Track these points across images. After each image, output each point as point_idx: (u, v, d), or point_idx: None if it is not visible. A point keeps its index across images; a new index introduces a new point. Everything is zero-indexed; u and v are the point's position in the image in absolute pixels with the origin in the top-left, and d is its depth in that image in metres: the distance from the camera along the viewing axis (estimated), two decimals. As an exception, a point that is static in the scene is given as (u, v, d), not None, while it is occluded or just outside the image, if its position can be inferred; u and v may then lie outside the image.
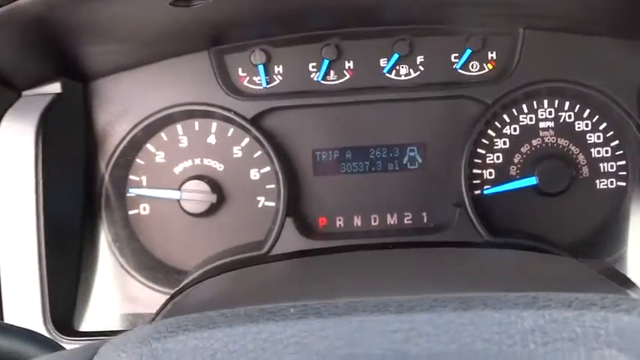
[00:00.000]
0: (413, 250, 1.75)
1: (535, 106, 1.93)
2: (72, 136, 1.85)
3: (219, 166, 1.94)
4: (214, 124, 1.94)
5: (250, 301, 1.29)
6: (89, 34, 1.60)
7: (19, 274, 1.65)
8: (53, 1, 1.36)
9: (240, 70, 1.93)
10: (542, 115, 1.92)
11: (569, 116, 1.93)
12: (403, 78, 1.93)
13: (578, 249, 1.87)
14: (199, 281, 1.61)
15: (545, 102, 1.92)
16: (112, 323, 1.88)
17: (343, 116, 1.94)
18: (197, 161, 1.94)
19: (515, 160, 1.93)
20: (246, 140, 1.93)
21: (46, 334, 1.60)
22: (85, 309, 1.83)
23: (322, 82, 1.93)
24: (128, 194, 1.95)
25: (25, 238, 1.65)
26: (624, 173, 1.93)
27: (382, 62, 1.93)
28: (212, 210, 1.91)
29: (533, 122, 1.93)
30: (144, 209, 1.96)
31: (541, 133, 1.92)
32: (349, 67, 1.93)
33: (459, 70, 1.92)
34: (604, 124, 1.92)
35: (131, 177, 1.95)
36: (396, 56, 1.91)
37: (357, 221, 1.96)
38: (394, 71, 1.93)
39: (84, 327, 1.80)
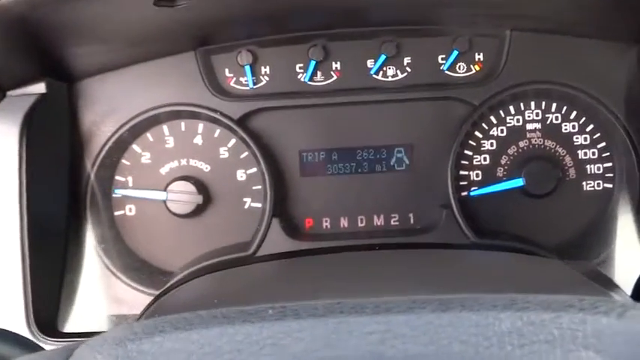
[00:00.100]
0: (398, 252, 1.75)
1: (522, 108, 1.93)
2: (57, 136, 1.84)
3: (205, 167, 1.93)
4: (201, 125, 1.93)
5: (234, 302, 1.28)
6: (73, 34, 1.59)
7: (2, 274, 1.63)
8: (36, 1, 1.35)
9: (226, 70, 1.93)
10: (529, 116, 1.92)
11: (556, 118, 1.93)
12: (390, 79, 1.93)
13: (564, 251, 1.87)
14: (184, 282, 1.60)
15: (532, 104, 1.92)
16: (96, 324, 1.87)
17: (330, 117, 1.94)
18: (183, 162, 1.93)
19: (502, 162, 1.93)
20: (233, 141, 1.93)
21: (29, 336, 1.58)
22: (69, 310, 1.82)
23: (309, 83, 1.93)
24: (114, 195, 1.94)
25: (9, 238, 1.63)
26: (611, 175, 1.93)
27: (369, 63, 1.93)
28: (198, 211, 1.91)
29: (520, 124, 1.93)
30: (130, 210, 1.95)
31: (528, 135, 1.92)
32: (336, 68, 1.93)
33: (446, 72, 1.92)
34: (591, 126, 1.92)
35: (117, 178, 1.94)
36: (383, 57, 1.91)
37: (344, 222, 1.96)
38: (381, 72, 1.93)
39: (68, 328, 1.79)
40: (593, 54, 1.89)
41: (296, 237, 1.89)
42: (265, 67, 1.92)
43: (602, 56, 1.89)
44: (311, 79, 1.92)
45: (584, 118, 1.92)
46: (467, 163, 1.93)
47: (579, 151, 1.93)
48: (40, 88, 1.71)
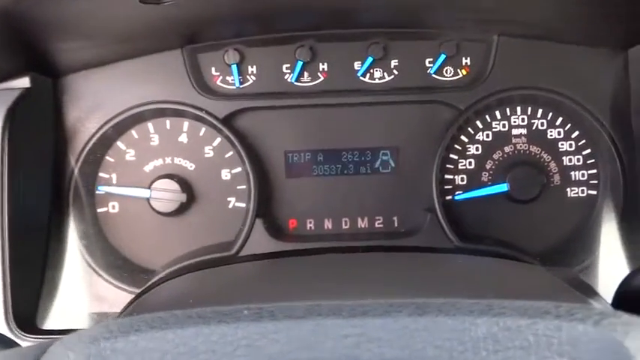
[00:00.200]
0: (381, 255, 1.75)
1: (508, 113, 1.93)
2: (41, 131, 1.83)
3: (190, 166, 1.93)
4: (186, 123, 1.92)
5: (213, 302, 1.28)
6: (58, 29, 1.58)
7: (-20, 268, 1.62)
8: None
9: (213, 69, 1.92)
10: (514, 122, 1.93)
11: (542, 124, 1.93)
12: (377, 81, 1.93)
13: (548, 257, 1.88)
14: (165, 281, 1.59)
15: (518, 109, 1.93)
16: (77, 322, 1.86)
17: (316, 118, 1.93)
18: (168, 160, 1.92)
19: (487, 167, 1.93)
20: (218, 140, 1.92)
21: (7, 332, 1.58)
22: (49, 306, 1.80)
23: (296, 83, 1.92)
24: (97, 192, 1.93)
25: (-12, 231, 1.62)
26: (595, 182, 1.93)
27: (356, 65, 1.92)
28: (182, 209, 1.90)
29: (506, 129, 1.93)
30: (113, 207, 1.94)
31: (513, 140, 1.93)
32: (323, 69, 1.92)
33: (433, 75, 1.92)
34: (576, 133, 1.93)
35: (101, 174, 1.93)
36: (370, 59, 1.90)
37: (328, 224, 1.95)
38: (368, 74, 1.93)
39: (47, 325, 1.78)
40: (580, 61, 1.90)
41: (279, 238, 1.88)
42: (252, 67, 1.92)
43: (589, 63, 1.90)
44: (298, 80, 1.92)
45: (569, 125, 1.92)
46: (452, 167, 1.93)
47: (564, 158, 1.93)
48: (24, 82, 1.70)
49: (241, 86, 1.92)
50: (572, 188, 1.94)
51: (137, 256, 1.94)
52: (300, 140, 1.94)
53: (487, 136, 1.93)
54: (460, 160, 1.94)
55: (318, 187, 1.95)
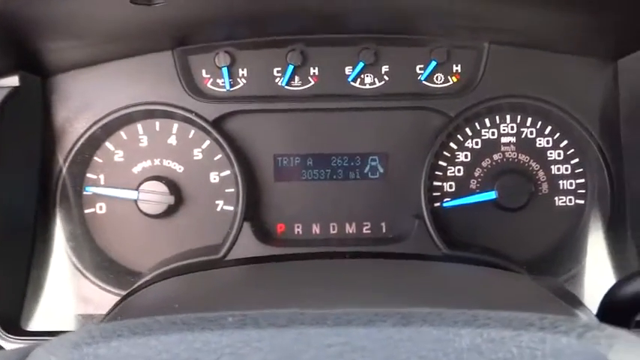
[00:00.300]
0: (368, 261, 1.74)
1: (497, 121, 1.93)
2: (29, 130, 1.82)
3: (178, 168, 1.92)
4: (175, 125, 1.92)
5: (198, 307, 1.27)
6: (48, 28, 1.57)
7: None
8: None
9: (203, 71, 1.92)
10: (504, 130, 1.93)
11: (531, 132, 1.93)
12: (368, 87, 1.93)
13: (534, 265, 1.88)
14: (152, 284, 1.58)
15: (508, 117, 1.93)
16: (62, 323, 1.84)
17: (306, 123, 1.93)
18: (156, 162, 1.92)
19: (476, 174, 1.94)
20: (207, 143, 1.92)
21: (-9, 333, 1.57)
22: (34, 308, 1.79)
23: (286, 87, 1.92)
24: (85, 192, 1.92)
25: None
26: (583, 191, 1.94)
27: (347, 70, 1.93)
28: (169, 212, 1.90)
29: (495, 137, 1.93)
30: (100, 208, 1.93)
31: (502, 148, 1.93)
32: (314, 73, 1.92)
33: (424, 82, 1.92)
34: (565, 142, 1.93)
35: (88, 175, 1.92)
36: (361, 65, 1.90)
37: (316, 229, 1.95)
38: (359, 80, 1.93)
39: (32, 326, 1.76)
40: (570, 70, 1.90)
41: (267, 242, 1.88)
42: (243, 70, 1.91)
43: (579, 72, 1.90)
44: (288, 84, 1.92)
45: (558, 134, 1.93)
46: (441, 174, 1.94)
47: (552, 167, 1.94)
48: (13, 81, 1.69)
49: (232, 89, 1.92)
50: (560, 197, 1.94)
51: (124, 257, 1.93)
52: (289, 144, 1.93)
53: (476, 143, 1.94)
54: (449, 167, 1.94)
55: (306, 192, 1.95)
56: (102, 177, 1.92)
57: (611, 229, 1.88)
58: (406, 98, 1.91)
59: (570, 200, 1.94)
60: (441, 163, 1.93)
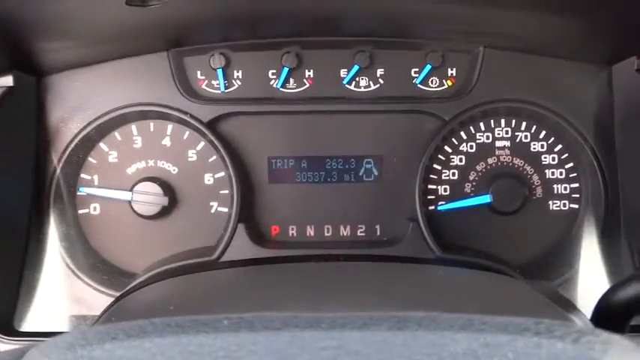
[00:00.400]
0: (362, 264, 1.74)
1: (492, 125, 1.94)
2: (23, 130, 1.81)
3: (173, 169, 1.92)
4: (170, 127, 1.92)
5: (193, 309, 1.27)
6: (43, 29, 1.56)
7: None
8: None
9: (198, 73, 1.91)
10: (498, 134, 1.93)
11: (526, 136, 1.94)
12: (363, 90, 1.93)
13: (528, 269, 1.88)
14: (145, 285, 1.58)
15: (503, 121, 1.93)
16: (55, 324, 1.84)
17: (301, 125, 1.93)
18: (151, 163, 1.91)
19: (471, 178, 1.94)
20: (202, 144, 1.91)
21: (-17, 333, 1.56)
22: (27, 308, 1.79)
23: (281, 89, 1.92)
24: (79, 193, 1.92)
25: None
26: (577, 196, 1.94)
27: (342, 73, 1.93)
28: (163, 213, 1.89)
29: (490, 141, 1.93)
30: (94, 209, 1.93)
31: (497, 152, 1.93)
32: (309, 75, 1.92)
33: (419, 85, 1.93)
34: (559, 146, 1.93)
35: (82, 175, 1.92)
36: (356, 67, 1.91)
37: (310, 231, 1.95)
38: (354, 82, 1.93)
39: (25, 327, 1.76)
40: (565, 75, 1.91)
41: (261, 244, 1.87)
42: (238, 72, 1.91)
43: (574, 77, 1.91)
44: (283, 86, 1.92)
45: (552, 138, 1.93)
46: (435, 177, 1.94)
47: (547, 171, 1.94)
48: (7, 80, 1.69)
49: (226, 91, 1.92)
50: (555, 201, 1.94)
51: (117, 258, 1.93)
52: (284, 146, 1.93)
53: (471, 147, 1.94)
54: (443, 171, 1.94)
55: (301, 194, 1.95)
56: (96, 178, 1.92)
57: (605, 233, 1.89)
58: (401, 101, 1.91)
59: (564, 205, 1.94)
60: (435, 166, 1.93)
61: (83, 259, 1.89)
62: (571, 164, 1.94)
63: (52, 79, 1.86)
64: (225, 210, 1.91)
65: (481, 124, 1.93)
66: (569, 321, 1.20)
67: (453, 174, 1.94)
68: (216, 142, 1.86)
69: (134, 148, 1.91)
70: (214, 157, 1.91)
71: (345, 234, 1.95)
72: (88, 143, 1.89)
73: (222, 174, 1.91)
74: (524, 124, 1.93)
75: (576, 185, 1.94)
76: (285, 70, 1.90)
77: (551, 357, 0.73)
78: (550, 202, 1.95)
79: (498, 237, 1.93)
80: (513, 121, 1.93)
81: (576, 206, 1.94)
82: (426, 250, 1.85)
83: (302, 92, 1.92)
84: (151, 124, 1.91)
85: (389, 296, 1.25)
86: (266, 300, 1.24)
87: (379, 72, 1.92)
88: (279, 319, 0.78)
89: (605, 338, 0.75)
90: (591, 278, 1.88)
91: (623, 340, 0.75)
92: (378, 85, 1.93)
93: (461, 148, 1.94)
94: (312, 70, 1.92)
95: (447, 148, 1.93)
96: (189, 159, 1.92)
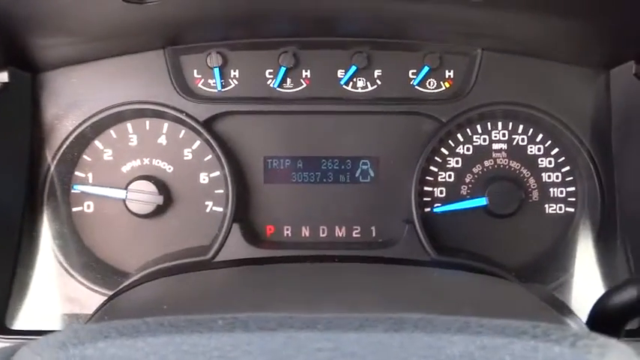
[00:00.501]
0: (357, 265, 1.73)
1: (489, 128, 1.93)
2: (17, 126, 1.80)
3: (168, 168, 1.91)
4: (166, 125, 1.91)
5: (187, 308, 1.26)
6: (39, 25, 1.56)
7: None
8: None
9: (195, 71, 1.91)
10: (495, 136, 1.93)
11: (522, 139, 1.93)
12: (360, 91, 1.93)
13: (523, 272, 1.88)
14: (139, 284, 1.57)
15: (500, 124, 1.93)
16: (48, 323, 1.82)
17: (297, 125, 1.92)
18: (146, 161, 1.91)
19: (467, 180, 1.93)
20: (197, 143, 1.90)
21: (-25, 331, 1.55)
22: (19, 306, 1.77)
23: (278, 89, 1.92)
24: (73, 191, 1.91)
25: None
26: (573, 199, 1.94)
27: (340, 73, 1.92)
28: (158, 212, 1.88)
29: (487, 143, 1.93)
30: (88, 207, 1.92)
31: (493, 155, 1.93)
32: (306, 76, 1.92)
33: (416, 87, 1.92)
34: (556, 150, 1.93)
35: (77, 173, 1.91)
36: (353, 68, 1.90)
37: (305, 232, 1.94)
38: (351, 83, 1.92)
39: (17, 325, 1.74)
40: (563, 78, 1.90)
41: (256, 243, 1.87)
42: (235, 71, 1.91)
43: (571, 81, 1.90)
44: (280, 86, 1.91)
45: (549, 142, 1.93)
46: (431, 179, 1.93)
47: (543, 174, 1.94)
48: (2, 77, 1.67)
49: (223, 90, 1.91)
50: (551, 205, 1.94)
51: (111, 257, 1.92)
52: (280, 146, 1.93)
53: (468, 149, 1.93)
54: (440, 173, 1.94)
55: (296, 194, 1.94)
56: (90, 175, 1.91)
57: (601, 237, 1.88)
58: (398, 103, 1.91)
59: (560, 208, 1.94)
60: (432, 168, 1.93)
61: (76, 257, 1.88)
62: (567, 168, 1.93)
63: (47, 76, 1.85)
64: (220, 209, 1.91)
65: (478, 127, 1.93)
66: (565, 324, 1.20)
67: (450, 176, 1.93)
68: (211, 141, 1.85)
69: (129, 146, 1.90)
70: (210, 157, 1.90)
71: (340, 235, 1.95)
72: (82, 141, 1.88)
73: (217, 173, 1.91)
74: (521, 126, 1.93)
75: (572, 189, 1.94)
76: (283, 69, 1.89)
77: (548, 360, 0.72)
78: (546, 206, 1.94)
79: (494, 240, 1.93)
80: (510, 124, 1.93)
81: (572, 210, 1.94)
82: (421, 252, 1.85)
83: (299, 92, 1.92)
84: (147, 123, 1.91)
85: (384, 298, 1.25)
86: (260, 300, 1.23)
87: (377, 73, 1.92)
88: (275, 319, 0.77)
89: (602, 342, 0.74)
90: (586, 282, 1.88)
91: (620, 344, 0.75)
92: (375, 86, 1.92)
93: (457, 150, 1.93)
94: (309, 70, 1.92)
95: (443, 150, 1.93)
96: (185, 158, 1.91)
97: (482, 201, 1.89)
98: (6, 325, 1.71)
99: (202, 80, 1.91)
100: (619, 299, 1.22)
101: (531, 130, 1.93)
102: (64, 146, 1.86)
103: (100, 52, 1.84)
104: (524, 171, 1.93)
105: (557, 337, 0.74)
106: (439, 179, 1.94)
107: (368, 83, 1.92)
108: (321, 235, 1.95)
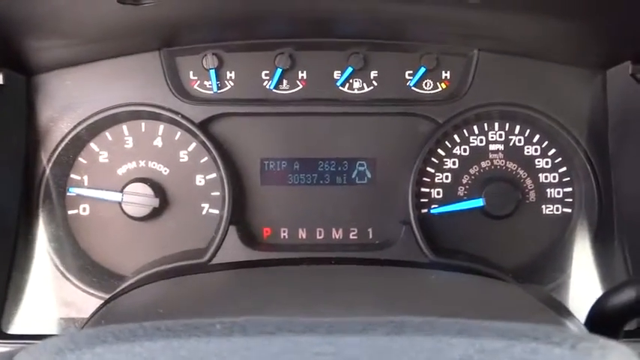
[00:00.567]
0: (354, 267, 1.73)
1: (486, 128, 1.93)
2: (12, 129, 1.79)
3: (164, 170, 1.90)
4: (161, 127, 1.90)
5: (184, 312, 1.26)
6: (33, 27, 1.55)
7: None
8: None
9: (191, 73, 1.90)
10: (492, 137, 1.93)
11: (519, 140, 1.93)
12: (356, 92, 1.92)
13: (521, 273, 1.87)
14: (135, 288, 1.56)
15: (496, 125, 1.93)
16: (44, 327, 1.82)
17: (294, 127, 1.92)
18: (142, 163, 1.90)
19: (464, 181, 1.93)
20: (193, 145, 1.90)
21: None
22: (15, 310, 1.76)
23: (274, 90, 1.91)
24: (68, 193, 1.90)
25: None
26: (570, 200, 1.94)
27: (336, 75, 1.92)
28: (154, 214, 1.87)
29: (483, 144, 1.93)
30: (84, 210, 1.91)
31: (490, 156, 1.93)
32: (302, 77, 1.91)
33: (413, 88, 1.92)
34: (553, 150, 1.93)
35: (72, 176, 1.90)
36: (350, 69, 1.90)
37: (302, 234, 1.94)
38: (347, 84, 1.92)
39: (13, 330, 1.74)
40: (559, 79, 1.90)
41: (253, 246, 1.86)
42: (231, 72, 1.90)
43: (568, 82, 1.90)
44: (276, 87, 1.91)
45: (546, 142, 1.93)
46: (428, 180, 1.93)
47: (540, 175, 1.93)
48: (-4, 79, 1.67)
49: (219, 91, 1.90)
50: (548, 205, 1.94)
51: (107, 260, 1.91)
52: (276, 148, 1.92)
53: (464, 150, 1.93)
54: (437, 174, 1.93)
55: (293, 196, 1.94)
56: (86, 178, 1.90)
57: (598, 238, 1.88)
58: (395, 104, 1.91)
59: (557, 209, 1.94)
60: (428, 169, 1.92)
61: (72, 260, 1.87)
62: (564, 168, 1.93)
63: (42, 78, 1.84)
64: (217, 212, 1.90)
65: (475, 128, 1.93)
66: (564, 326, 1.20)
67: (447, 177, 1.93)
68: (207, 143, 1.85)
69: (125, 148, 1.90)
70: (206, 159, 1.90)
71: (337, 237, 1.94)
72: (78, 143, 1.88)
73: (213, 175, 1.90)
74: (517, 127, 1.93)
75: (569, 189, 1.94)
76: (279, 71, 1.89)
77: (549, 363, 0.72)
78: (543, 207, 1.94)
79: (491, 241, 1.93)
80: (507, 125, 1.93)
81: (569, 210, 1.94)
82: (418, 253, 1.84)
83: (295, 94, 1.91)
84: (142, 125, 1.90)
85: (382, 300, 1.24)
86: (257, 303, 1.23)
87: (373, 74, 1.91)
88: (273, 323, 0.77)
89: (603, 344, 0.74)
90: (584, 283, 1.88)
91: (621, 346, 0.75)
92: (371, 87, 1.92)
93: (454, 151, 1.93)
94: (305, 72, 1.91)
95: (440, 151, 1.92)
96: (181, 160, 1.90)
97: (479, 202, 1.89)
98: (1, 329, 1.70)
99: (198, 82, 1.90)
100: (617, 300, 1.21)
101: (528, 130, 1.93)
102: (60, 149, 1.85)
103: (95, 54, 1.83)
104: (521, 172, 1.93)
105: (557, 340, 0.73)
106: (436, 180, 1.93)
107: (364, 84, 1.92)
108: (318, 237, 1.94)
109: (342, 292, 1.34)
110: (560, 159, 1.93)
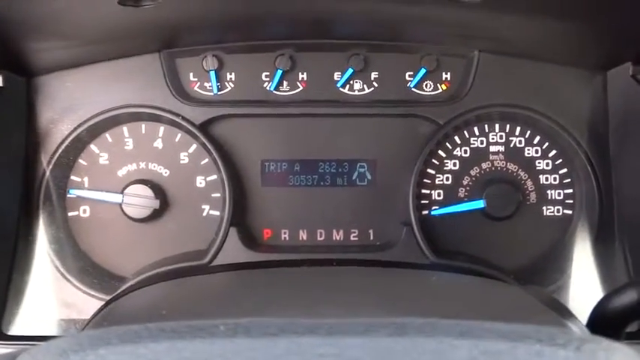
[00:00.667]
0: (355, 269, 1.73)
1: (486, 130, 1.93)
2: (12, 131, 1.79)
3: (164, 172, 1.90)
4: (162, 128, 1.90)
5: (184, 313, 1.25)
6: (33, 29, 1.55)
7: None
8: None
9: (191, 74, 1.90)
10: (493, 138, 1.93)
11: (520, 141, 1.93)
12: (357, 93, 1.92)
13: (522, 275, 1.86)
14: (136, 289, 1.56)
15: (497, 126, 1.93)
16: (44, 328, 1.81)
17: (294, 128, 1.92)
18: (142, 165, 1.90)
19: (464, 183, 1.93)
20: (194, 146, 1.90)
21: (-29, 337, 1.54)
22: (16, 312, 1.76)
23: (275, 92, 1.91)
24: (68, 195, 1.90)
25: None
26: (571, 202, 1.93)
27: (336, 76, 1.92)
28: (155, 216, 1.87)
29: (484, 145, 1.93)
30: (84, 211, 1.91)
31: (491, 157, 1.93)
32: (303, 78, 1.91)
33: (413, 89, 1.92)
34: (553, 152, 1.93)
35: (72, 177, 1.90)
36: (350, 71, 1.90)
37: (303, 235, 1.94)
38: (348, 86, 1.92)
39: (14, 331, 1.73)
40: (560, 80, 1.90)
41: (253, 247, 1.86)
42: (231, 74, 1.90)
43: (569, 83, 1.90)
44: (276, 89, 1.91)
45: (547, 143, 1.93)
46: (429, 181, 1.93)
47: (541, 176, 1.93)
48: (-4, 81, 1.67)
49: (219, 93, 1.90)
50: (548, 207, 1.94)
51: (108, 262, 1.91)
52: (277, 149, 1.92)
53: (465, 151, 1.93)
54: (437, 176, 1.93)
55: (293, 198, 1.94)
56: (86, 180, 1.90)
57: (599, 239, 1.88)
58: (395, 105, 1.91)
59: (558, 210, 1.94)
60: (429, 170, 1.92)
61: (73, 262, 1.87)
62: (565, 170, 1.93)
63: (42, 80, 1.84)
64: (217, 213, 1.90)
65: (475, 129, 1.93)
66: (566, 327, 1.19)
67: (447, 179, 1.93)
68: (208, 144, 1.85)
69: (125, 150, 1.89)
70: (206, 160, 1.90)
71: (337, 238, 1.94)
72: (78, 145, 1.87)
73: (214, 177, 1.90)
74: (518, 129, 1.93)
75: (570, 191, 1.94)
76: (279, 72, 1.89)
77: (553, 365, 0.72)
78: (544, 208, 1.94)
79: (492, 242, 1.92)
80: (508, 126, 1.92)
81: (570, 212, 1.94)
82: (419, 255, 1.84)
83: (295, 95, 1.91)
84: (143, 126, 1.90)
85: (383, 302, 1.24)
86: (259, 305, 1.23)
87: (373, 75, 1.91)
88: (277, 324, 0.77)
89: (608, 345, 0.74)
90: (584, 284, 1.87)
91: (626, 348, 0.75)
92: (372, 89, 1.92)
93: (455, 152, 1.93)
94: (305, 73, 1.91)
95: (441, 152, 1.92)
96: (181, 161, 1.90)
97: (479, 203, 1.88)
98: (2, 330, 1.70)
99: (198, 83, 1.90)
100: (619, 302, 1.21)
101: (529, 132, 1.93)
102: (60, 150, 1.85)
103: (95, 56, 1.83)
104: (522, 173, 1.93)
105: (562, 342, 0.73)
106: (436, 182, 1.93)
107: (365, 86, 1.92)
108: (319, 238, 1.94)
109: (344, 294, 1.34)
110: (560, 160, 1.93)
